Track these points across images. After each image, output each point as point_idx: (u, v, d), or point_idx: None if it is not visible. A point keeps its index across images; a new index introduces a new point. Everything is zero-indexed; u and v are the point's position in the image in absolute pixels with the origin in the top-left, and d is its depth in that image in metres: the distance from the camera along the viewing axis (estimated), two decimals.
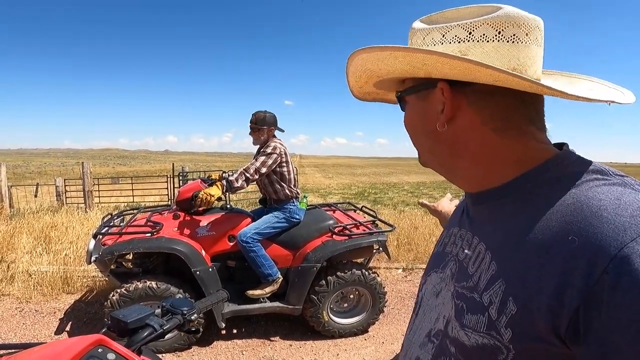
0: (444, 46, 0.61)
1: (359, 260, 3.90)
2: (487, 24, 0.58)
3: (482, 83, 0.58)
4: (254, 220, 3.55)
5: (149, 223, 3.41)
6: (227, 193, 3.51)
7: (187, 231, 3.38)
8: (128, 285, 3.08)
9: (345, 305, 3.73)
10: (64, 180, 11.65)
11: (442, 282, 0.72)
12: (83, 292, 4.44)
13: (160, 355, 3.03)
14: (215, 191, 3.25)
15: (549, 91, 0.55)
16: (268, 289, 3.39)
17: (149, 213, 3.88)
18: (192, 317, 1.14)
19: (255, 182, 3.54)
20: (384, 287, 3.66)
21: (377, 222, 3.85)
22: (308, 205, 3.90)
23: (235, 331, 3.65)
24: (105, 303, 3.11)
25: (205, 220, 3.48)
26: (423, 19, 0.68)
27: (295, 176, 3.75)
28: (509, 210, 0.60)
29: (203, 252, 3.31)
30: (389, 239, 5.08)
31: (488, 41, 0.58)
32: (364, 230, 3.62)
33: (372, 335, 3.68)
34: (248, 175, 3.34)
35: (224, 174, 3.54)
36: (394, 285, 4.84)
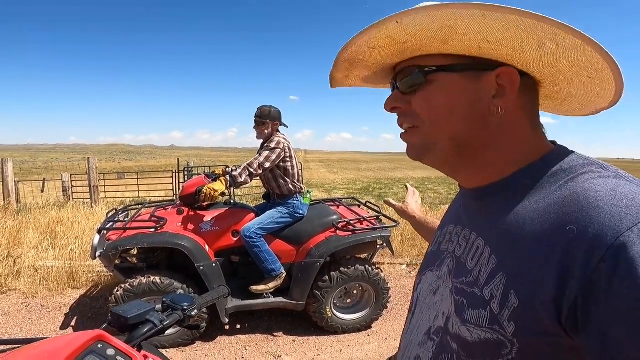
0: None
1: (362, 256, 3.89)
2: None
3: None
4: (257, 215, 3.55)
5: (153, 218, 3.42)
6: (232, 188, 3.51)
7: (190, 226, 3.39)
8: (132, 281, 3.10)
9: (349, 301, 3.72)
10: (70, 175, 11.72)
11: (439, 280, 0.71)
12: (88, 287, 4.45)
13: (164, 351, 3.06)
14: (219, 186, 3.24)
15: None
16: (272, 285, 3.39)
17: (153, 208, 3.89)
18: (193, 313, 1.14)
19: (259, 177, 3.53)
20: (387, 283, 3.65)
21: (381, 217, 3.85)
22: (312, 201, 3.89)
23: (238, 326, 3.66)
24: (110, 298, 3.13)
25: (209, 216, 3.48)
26: None
27: (299, 171, 3.74)
28: (507, 204, 0.60)
29: (207, 247, 3.31)
30: (393, 234, 5.07)
31: None
32: (368, 225, 3.60)
33: (375, 331, 3.67)
34: (252, 170, 3.34)
35: (227, 169, 3.54)
36: (397, 281, 4.83)
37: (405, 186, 1.48)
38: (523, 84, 0.62)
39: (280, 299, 3.44)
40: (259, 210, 3.65)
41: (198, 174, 4.57)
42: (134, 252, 3.70)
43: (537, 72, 0.63)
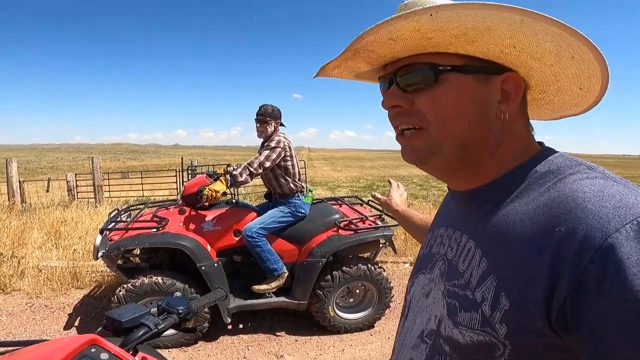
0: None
1: (365, 255, 3.88)
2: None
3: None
4: (259, 214, 3.54)
5: (155, 218, 3.42)
6: (232, 187, 3.52)
7: (192, 226, 3.39)
8: (134, 281, 3.10)
9: (351, 300, 3.71)
10: (75, 175, 11.76)
11: (432, 283, 0.71)
12: (92, 287, 4.47)
13: (167, 351, 3.06)
14: (220, 186, 3.24)
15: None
16: (274, 284, 3.39)
17: (155, 208, 3.90)
18: (188, 317, 1.13)
19: (260, 177, 3.52)
20: (390, 282, 3.64)
21: (384, 216, 3.84)
22: (314, 199, 3.88)
23: (241, 326, 3.66)
24: (112, 298, 3.13)
25: (210, 215, 3.48)
26: None
27: (300, 170, 3.73)
28: (498, 206, 0.61)
29: (208, 247, 3.31)
30: (396, 233, 5.05)
31: None
32: (370, 224, 3.59)
33: (378, 331, 3.66)
34: (252, 169, 3.33)
35: (228, 168, 3.54)
36: (400, 280, 4.80)
37: (389, 181, 1.48)
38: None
39: (282, 299, 3.44)
40: (261, 210, 3.65)
41: (201, 173, 4.57)
42: (137, 252, 3.71)
43: (539, 80, 0.64)
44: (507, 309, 0.51)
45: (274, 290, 3.42)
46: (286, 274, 3.45)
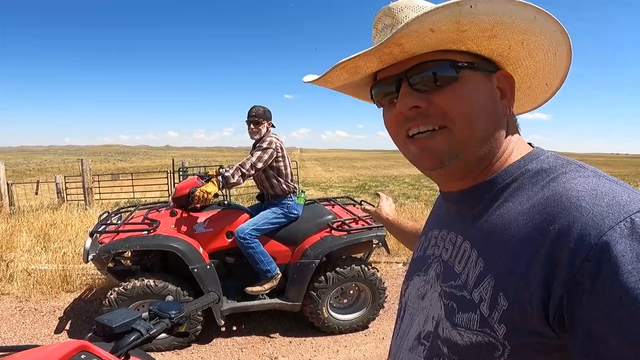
0: None
1: (358, 255, 3.88)
2: None
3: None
4: (252, 216, 3.52)
5: (145, 220, 3.39)
6: (224, 189, 3.49)
7: (184, 228, 3.36)
8: (126, 284, 3.07)
9: (345, 301, 3.71)
10: (64, 177, 11.64)
11: (427, 284, 0.71)
12: (82, 291, 4.43)
13: (160, 354, 3.03)
14: (212, 188, 3.22)
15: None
16: (267, 286, 3.37)
17: (146, 210, 3.86)
18: (181, 321, 1.11)
19: (252, 178, 3.50)
20: (383, 282, 3.64)
21: None
22: (306, 200, 3.87)
23: (234, 328, 3.64)
24: (104, 302, 3.10)
25: (202, 217, 3.45)
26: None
27: (292, 171, 3.72)
28: (492, 206, 0.61)
29: (201, 249, 3.28)
30: (389, 233, 5.05)
31: None
32: (363, 225, 3.58)
33: (372, 331, 3.66)
34: (244, 170, 3.31)
35: (220, 170, 3.51)
36: (394, 280, 4.81)
37: (377, 194, 1.50)
38: None
39: (276, 300, 3.42)
40: (253, 211, 3.63)
41: (193, 174, 4.54)
42: (128, 254, 3.67)
43: (520, 77, 0.68)
44: (506, 309, 0.51)
45: (268, 291, 3.40)
46: (279, 276, 3.43)
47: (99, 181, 12.57)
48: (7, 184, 8.71)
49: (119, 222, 3.66)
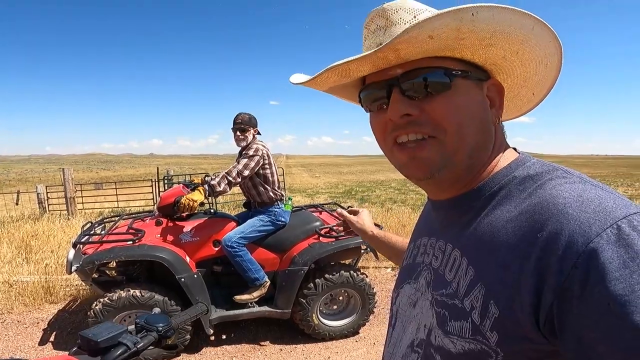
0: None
1: (347, 262, 3.87)
2: None
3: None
4: (238, 224, 3.49)
5: (130, 230, 3.34)
6: (211, 197, 3.45)
7: (170, 237, 3.31)
8: (111, 295, 3.01)
9: (335, 307, 3.69)
10: (46, 187, 11.43)
11: (418, 292, 0.71)
12: (66, 302, 4.35)
13: None
14: (198, 196, 3.18)
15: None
16: (256, 294, 3.34)
17: (131, 220, 3.80)
18: (169, 334, 1.08)
19: (238, 186, 3.47)
20: (373, 288, 3.63)
21: None
22: (294, 207, 3.85)
23: (224, 337, 3.59)
24: (89, 313, 3.04)
25: (188, 226, 3.41)
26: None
27: (279, 178, 3.71)
28: (480, 214, 0.61)
29: (187, 259, 3.24)
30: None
31: None
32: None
33: (363, 337, 3.64)
34: (230, 178, 3.28)
35: (206, 178, 3.47)
36: (383, 285, 4.82)
37: (351, 212, 1.38)
38: None
39: (265, 308, 3.39)
40: (240, 219, 3.60)
41: (178, 183, 4.48)
42: (112, 265, 3.61)
43: (509, 85, 0.69)
44: (497, 317, 0.51)
45: (256, 299, 3.37)
46: (268, 283, 3.40)
47: (81, 190, 12.36)
48: None
49: (102, 232, 3.60)
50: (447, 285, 0.62)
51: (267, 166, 3.46)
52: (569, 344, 0.45)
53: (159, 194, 10.77)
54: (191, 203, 3.14)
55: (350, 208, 1.46)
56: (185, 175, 12.23)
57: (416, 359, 0.67)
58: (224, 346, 3.46)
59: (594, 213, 0.47)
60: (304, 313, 3.39)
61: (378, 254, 3.87)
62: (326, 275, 3.40)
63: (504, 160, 0.65)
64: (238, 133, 3.48)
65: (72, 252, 3.10)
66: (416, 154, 0.61)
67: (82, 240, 3.22)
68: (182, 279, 3.10)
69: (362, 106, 0.70)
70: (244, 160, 3.34)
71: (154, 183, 11.54)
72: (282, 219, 3.53)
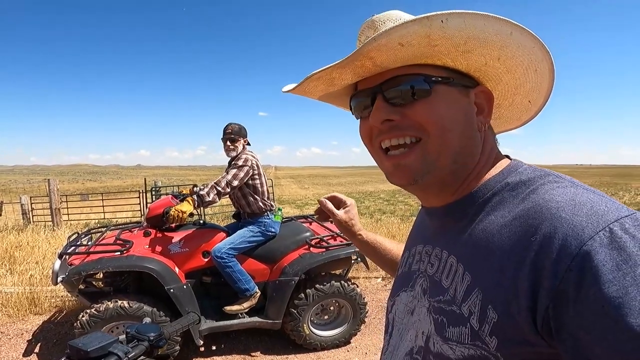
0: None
1: (337, 272, 3.86)
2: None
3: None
4: (228, 235, 3.47)
5: (118, 241, 3.29)
6: (200, 208, 3.42)
7: (159, 248, 3.28)
8: (98, 306, 2.97)
9: (326, 317, 3.67)
10: (30, 198, 11.25)
11: (415, 300, 0.70)
12: (52, 313, 4.29)
13: None
14: (187, 207, 3.15)
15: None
16: (246, 304, 3.31)
17: (118, 231, 3.75)
18: (160, 343, 1.06)
19: (227, 196, 3.45)
20: (364, 298, 3.62)
21: None
22: (284, 218, 3.84)
23: (214, 348, 3.55)
24: (75, 324, 2.99)
25: (177, 237, 3.38)
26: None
27: (269, 188, 3.69)
28: (475, 220, 0.62)
29: (177, 269, 3.20)
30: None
31: None
32: (341, 241, 3.58)
33: (354, 347, 3.62)
34: (219, 188, 3.26)
35: (195, 189, 3.45)
36: (374, 295, 4.81)
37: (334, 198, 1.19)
38: None
39: (255, 319, 3.36)
40: (230, 230, 3.58)
41: (166, 194, 4.44)
42: (99, 276, 3.55)
43: (500, 93, 0.69)
44: (496, 321, 0.51)
45: (247, 310, 3.34)
46: (258, 294, 3.37)
47: (67, 202, 12.19)
48: None
49: (89, 243, 3.55)
50: (444, 292, 0.62)
51: (256, 176, 3.45)
52: (566, 345, 0.46)
53: (146, 205, 10.66)
54: (180, 214, 3.11)
55: (333, 194, 1.22)
56: (173, 186, 12.13)
57: None
58: (214, 357, 3.42)
59: (586, 216, 0.48)
60: (295, 323, 3.36)
61: (368, 263, 3.87)
62: (317, 286, 3.39)
63: (496, 167, 0.65)
64: (228, 143, 3.47)
65: (58, 262, 3.05)
66: (400, 162, 0.63)
67: (69, 250, 3.17)
68: (172, 290, 3.06)
69: (353, 113, 0.72)
70: (233, 171, 3.33)
71: (141, 194, 11.43)
72: (272, 230, 3.52)
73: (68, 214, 11.37)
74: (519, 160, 0.66)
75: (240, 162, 3.36)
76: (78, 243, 3.43)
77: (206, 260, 3.36)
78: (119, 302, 2.97)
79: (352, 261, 3.77)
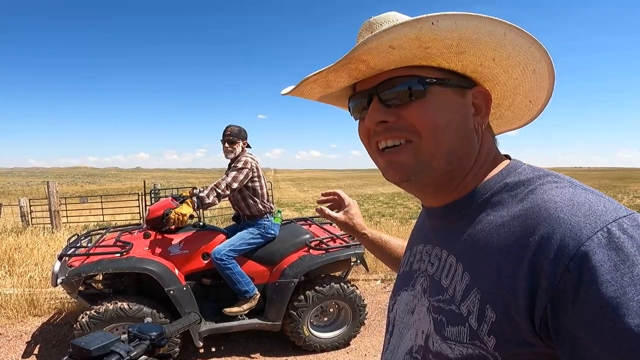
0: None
1: (337, 274, 3.86)
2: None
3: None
4: (228, 237, 3.47)
5: (118, 243, 3.30)
6: (199, 210, 3.42)
7: (158, 250, 3.28)
8: (98, 307, 2.96)
9: (326, 319, 3.67)
10: (29, 200, 11.25)
11: (415, 299, 0.71)
12: (51, 315, 4.29)
13: None
14: (187, 209, 3.16)
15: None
16: (246, 306, 3.31)
17: (118, 233, 3.76)
18: (162, 343, 1.07)
19: (227, 198, 3.45)
20: (363, 300, 3.63)
21: None
22: (283, 220, 3.85)
23: (214, 349, 3.54)
24: (75, 325, 2.98)
25: (177, 239, 3.38)
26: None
27: (268, 191, 3.69)
28: (474, 220, 0.62)
29: (176, 271, 3.21)
30: (366, 250, 5.06)
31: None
32: (341, 243, 3.58)
33: (354, 348, 3.62)
34: (219, 190, 3.27)
35: (195, 191, 3.45)
36: (373, 297, 4.81)
37: (332, 194, 1.24)
38: None
39: (255, 320, 3.36)
40: (229, 232, 3.58)
41: (165, 196, 4.44)
42: (99, 277, 3.55)
43: (499, 94, 0.69)
44: (494, 321, 0.52)
45: (247, 312, 3.34)
46: (258, 296, 3.37)
47: (66, 204, 12.18)
48: None
49: (89, 244, 3.55)
50: (443, 292, 0.62)
51: (256, 179, 3.45)
52: (564, 346, 0.46)
53: (145, 207, 10.66)
54: (180, 216, 3.11)
55: (335, 190, 1.26)
56: (172, 189, 12.12)
57: None
58: (213, 359, 3.42)
59: (584, 217, 0.48)
60: (294, 325, 3.36)
61: (368, 265, 3.88)
62: (317, 287, 3.39)
63: (494, 167, 0.65)
64: (226, 145, 3.48)
65: (58, 264, 3.05)
66: (393, 159, 0.64)
67: (69, 252, 3.17)
68: (171, 292, 3.06)
69: (351, 114, 0.72)
70: (233, 173, 3.34)
71: (140, 197, 11.43)
72: (272, 232, 3.52)
73: (67, 217, 11.36)
74: (519, 161, 0.66)
75: (240, 165, 3.36)
76: (78, 245, 3.42)
77: (206, 262, 3.36)
78: (119, 303, 2.96)
79: (352, 263, 3.78)
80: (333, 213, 1.17)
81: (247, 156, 3.45)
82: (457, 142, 0.62)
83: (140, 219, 10.72)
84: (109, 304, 2.96)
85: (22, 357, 3.48)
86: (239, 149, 3.49)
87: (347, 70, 0.63)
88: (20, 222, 10.35)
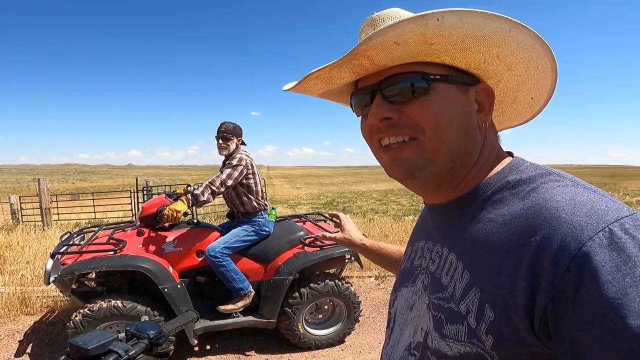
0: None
1: (331, 271, 3.86)
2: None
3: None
4: (222, 234, 3.46)
5: (111, 240, 3.27)
6: (194, 207, 3.40)
7: (152, 248, 3.26)
8: (91, 305, 2.94)
9: (320, 316, 3.68)
10: (19, 197, 11.14)
11: (415, 295, 0.71)
12: (43, 313, 4.25)
13: None
14: (181, 206, 3.14)
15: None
16: (240, 304, 3.30)
17: (111, 230, 3.73)
18: (160, 341, 1.06)
19: (222, 195, 3.44)
20: (358, 297, 3.64)
21: None
22: (277, 217, 3.84)
23: (208, 347, 3.54)
24: (68, 324, 2.96)
25: (171, 236, 3.36)
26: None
27: (263, 188, 3.68)
28: (475, 218, 0.61)
29: (170, 269, 3.19)
30: None
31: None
32: None
33: (349, 345, 3.63)
34: (214, 188, 3.25)
35: (189, 188, 3.43)
36: (367, 294, 4.83)
37: (334, 216, 1.40)
38: None
39: (250, 318, 3.36)
40: (224, 229, 3.57)
41: (158, 194, 4.42)
42: (92, 275, 3.53)
43: (502, 91, 0.69)
44: (492, 320, 0.52)
45: (241, 309, 3.33)
46: (252, 293, 3.37)
47: (57, 201, 12.07)
48: None
49: (82, 242, 3.52)
50: (443, 289, 0.62)
51: (250, 176, 3.44)
52: (564, 346, 0.46)
53: (138, 205, 10.59)
54: (175, 213, 3.10)
55: (331, 214, 1.44)
56: (164, 186, 12.05)
57: None
58: (208, 356, 3.41)
59: (586, 216, 0.47)
60: (289, 322, 3.37)
61: (362, 262, 3.89)
62: (311, 285, 3.40)
63: (497, 164, 0.65)
64: (220, 141, 3.46)
65: (50, 262, 3.03)
66: (397, 155, 0.64)
67: (61, 250, 3.15)
68: (166, 289, 3.05)
69: (354, 111, 0.72)
70: (228, 170, 3.32)
71: (132, 194, 11.35)
72: (266, 229, 3.52)
73: (58, 214, 11.25)
74: (521, 158, 0.66)
75: (234, 162, 3.35)
76: (70, 242, 3.41)
77: (200, 259, 3.35)
78: (113, 301, 2.95)
79: (346, 260, 3.79)
80: (332, 235, 1.29)
81: (241, 153, 3.44)
82: (461, 139, 0.62)
83: (132, 217, 10.64)
84: (102, 302, 2.94)
85: (15, 356, 3.45)
86: (233, 146, 3.47)
87: (350, 67, 0.62)
88: (11, 219, 10.24)
